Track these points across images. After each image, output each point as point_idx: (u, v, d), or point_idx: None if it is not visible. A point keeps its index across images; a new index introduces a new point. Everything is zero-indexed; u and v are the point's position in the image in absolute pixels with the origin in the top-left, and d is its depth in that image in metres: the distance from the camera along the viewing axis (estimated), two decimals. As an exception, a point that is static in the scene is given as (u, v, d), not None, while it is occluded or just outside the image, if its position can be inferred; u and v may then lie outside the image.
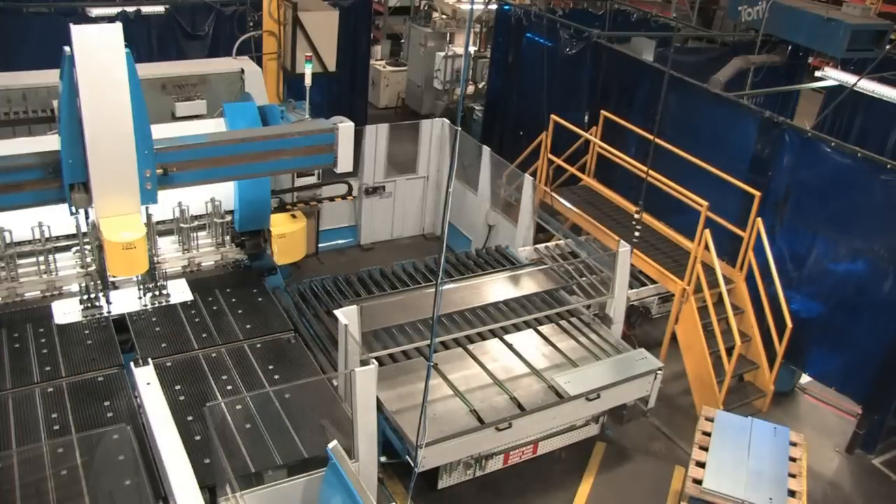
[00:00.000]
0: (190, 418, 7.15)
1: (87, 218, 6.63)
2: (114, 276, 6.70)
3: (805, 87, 14.23)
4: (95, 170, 6.08)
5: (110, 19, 11.74)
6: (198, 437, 6.94)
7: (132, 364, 6.91)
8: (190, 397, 7.42)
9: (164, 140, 6.61)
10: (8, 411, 6.99)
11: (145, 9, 12.10)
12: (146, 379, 6.69)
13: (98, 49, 5.78)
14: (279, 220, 8.59)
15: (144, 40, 12.20)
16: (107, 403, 7.21)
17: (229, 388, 7.63)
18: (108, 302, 7.24)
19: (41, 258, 6.40)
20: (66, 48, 5.99)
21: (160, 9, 12.23)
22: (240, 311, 8.61)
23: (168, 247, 7.05)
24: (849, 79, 11.74)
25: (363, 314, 7.80)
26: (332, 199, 11.28)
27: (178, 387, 7.52)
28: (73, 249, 6.70)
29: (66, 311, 7.27)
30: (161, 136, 6.58)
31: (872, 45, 11.92)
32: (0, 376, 7.36)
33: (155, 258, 6.89)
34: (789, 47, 13.08)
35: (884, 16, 14.42)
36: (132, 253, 6.20)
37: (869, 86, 11.51)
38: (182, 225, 6.95)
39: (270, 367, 7.99)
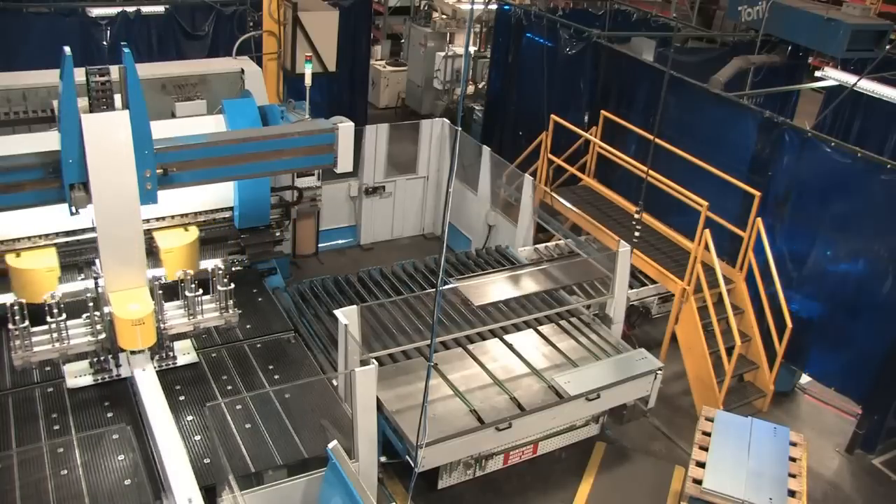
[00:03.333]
0: (190, 418, 7.17)
1: (96, 287, 6.83)
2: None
3: (805, 87, 14.24)
4: (105, 248, 6.55)
5: (111, 19, 11.76)
6: (198, 437, 6.95)
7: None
8: (190, 397, 7.43)
9: (164, 140, 6.63)
10: (8, 411, 7.00)
11: (145, 9, 12.10)
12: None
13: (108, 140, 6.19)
14: (169, 235, 8.48)
15: (144, 40, 12.21)
16: (107, 403, 7.22)
17: (229, 388, 7.64)
18: (118, 365, 7.45)
19: (53, 327, 6.65)
20: (67, 48, 6.02)
21: (160, 9, 12.23)
22: (240, 312, 8.61)
23: (173, 312, 7.24)
24: (849, 79, 11.74)
25: (363, 314, 7.82)
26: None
27: (178, 387, 7.53)
28: (84, 315, 6.89)
29: (78, 374, 7.46)
30: (160, 133, 6.61)
31: (872, 45, 11.91)
32: (0, 376, 7.39)
33: (162, 325, 7.08)
34: (789, 47, 13.07)
35: (884, 16, 14.43)
36: (141, 327, 6.59)
37: (869, 86, 11.52)
38: (188, 293, 7.14)
39: (270, 367, 8.00)
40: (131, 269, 6.68)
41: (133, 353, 6.90)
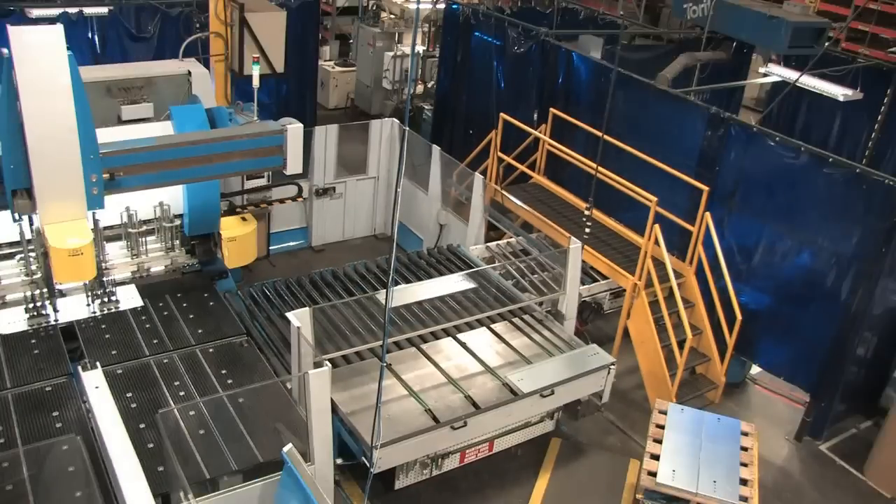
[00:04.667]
0: (142, 426, 7.06)
1: (31, 224, 6.48)
2: (60, 284, 6.55)
3: (749, 83, 14.49)
4: (39, 176, 5.97)
5: (51, 21, 11.52)
6: (151, 445, 6.85)
7: (80, 368, 6.80)
8: (142, 404, 7.33)
9: (111, 144, 6.51)
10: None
11: (88, 10, 11.85)
12: (94, 383, 6.59)
13: (38, 52, 5.67)
14: (229, 224, 8.52)
15: (87, 42, 11.98)
16: (55, 414, 7.08)
17: (182, 394, 7.54)
18: (55, 310, 7.07)
19: None
20: (4, 50, 5.87)
21: (103, 10, 11.99)
22: (191, 316, 8.51)
23: (116, 252, 6.89)
24: (791, 75, 11.97)
25: (315, 316, 7.78)
26: (282, 200, 11.22)
27: (129, 394, 7.41)
28: (18, 257, 6.52)
29: (11, 321, 7.09)
30: (107, 140, 6.49)
31: (813, 41, 12.16)
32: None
33: (103, 264, 6.74)
34: (734, 44, 13.29)
35: (822, 14, 14.76)
36: (79, 259, 6.10)
37: (811, 82, 11.76)
38: (130, 230, 6.81)
39: (223, 371, 7.91)
40: (69, 200, 6.20)
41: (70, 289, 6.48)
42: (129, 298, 7.60)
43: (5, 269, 6.44)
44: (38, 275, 6.50)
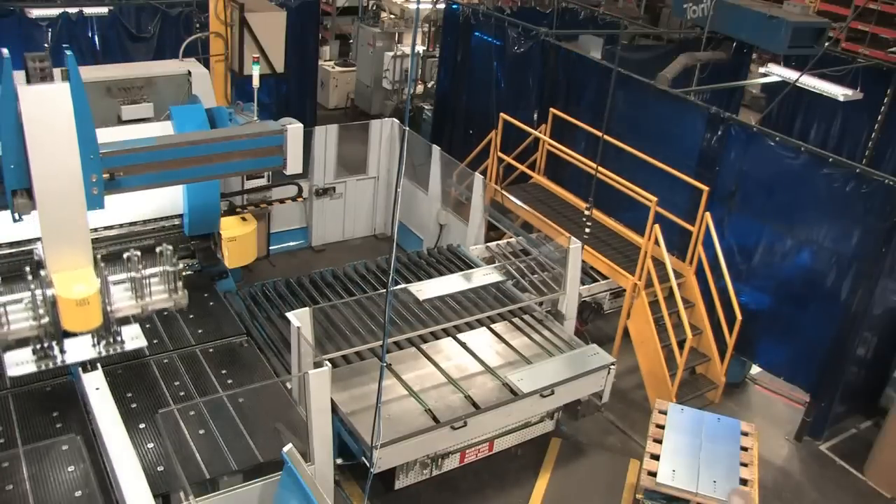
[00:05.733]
0: (142, 426, 7.07)
1: (38, 268, 6.63)
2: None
3: (750, 84, 14.48)
4: (46, 226, 6.17)
5: (51, 20, 11.51)
6: (151, 445, 6.85)
7: (80, 368, 6.79)
8: (142, 404, 7.33)
9: (110, 144, 6.51)
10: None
11: (88, 10, 11.84)
12: (95, 384, 6.58)
13: (46, 108, 5.88)
14: (229, 224, 8.52)
15: (87, 42, 11.97)
16: (55, 414, 7.08)
17: (182, 394, 7.55)
18: (62, 351, 7.22)
19: None
20: (4, 50, 5.87)
21: (103, 10, 11.98)
22: (191, 316, 8.52)
23: (120, 294, 7.06)
24: (791, 75, 11.97)
25: (315, 316, 7.78)
26: (282, 200, 11.21)
27: (129, 394, 7.42)
28: (25, 301, 6.66)
29: (19, 361, 7.22)
30: (107, 140, 6.48)
31: (813, 42, 12.17)
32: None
33: (108, 307, 6.89)
34: (734, 44, 13.29)
35: (822, 14, 14.76)
36: (86, 308, 6.27)
37: (810, 82, 11.76)
38: (134, 275, 6.98)
39: (223, 371, 7.92)
40: (75, 249, 6.32)
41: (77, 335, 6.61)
42: (133, 339, 7.74)
43: (14, 312, 6.59)
44: (46, 319, 6.65)
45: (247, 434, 7.05)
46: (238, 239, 8.25)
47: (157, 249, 7.07)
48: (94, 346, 6.93)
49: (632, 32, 15.04)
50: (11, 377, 7.02)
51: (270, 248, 12.03)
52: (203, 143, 6.96)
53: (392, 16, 18.38)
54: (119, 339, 7.48)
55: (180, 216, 8.58)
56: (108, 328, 7.06)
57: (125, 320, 7.26)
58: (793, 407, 10.30)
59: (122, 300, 7.01)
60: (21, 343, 6.84)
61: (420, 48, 18.17)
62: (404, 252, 10.75)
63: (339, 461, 7.50)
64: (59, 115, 5.93)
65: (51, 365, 7.08)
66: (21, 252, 7.81)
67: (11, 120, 5.94)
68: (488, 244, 10.90)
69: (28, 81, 5.96)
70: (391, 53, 17.45)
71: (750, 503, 7.55)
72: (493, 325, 9.10)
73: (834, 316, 9.19)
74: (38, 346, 7.06)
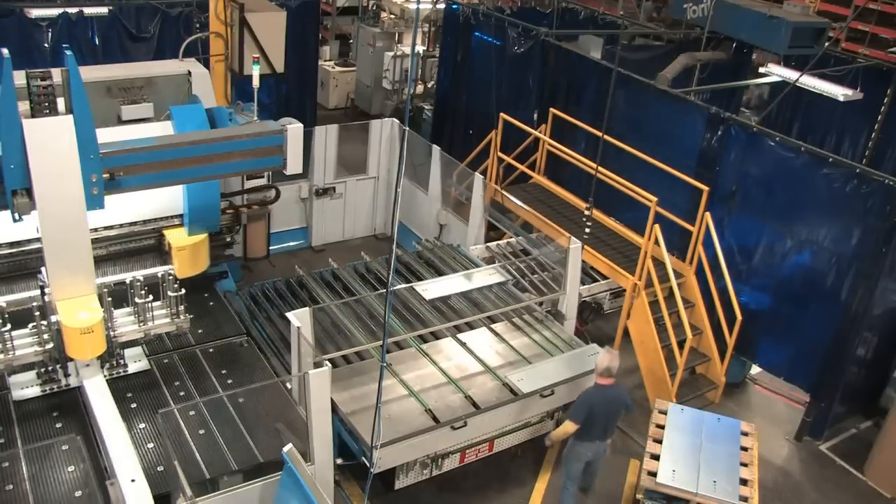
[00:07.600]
0: (143, 426, 7.07)
1: (43, 297, 6.77)
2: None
3: (750, 84, 14.47)
4: (51, 256, 6.39)
5: (51, 20, 11.52)
6: (151, 445, 6.85)
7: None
8: (142, 405, 7.33)
9: (111, 144, 6.52)
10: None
11: (88, 10, 11.85)
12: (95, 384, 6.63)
13: (51, 141, 6.06)
14: (179, 233, 8.46)
15: (87, 42, 11.97)
16: (55, 414, 7.08)
17: (182, 394, 7.55)
18: (66, 374, 7.31)
19: None
20: (4, 50, 5.89)
21: (103, 10, 11.99)
22: (191, 316, 8.51)
23: (123, 319, 7.13)
24: (791, 75, 11.96)
25: (315, 316, 7.78)
26: (250, 206, 11.00)
27: (129, 394, 7.41)
28: (30, 326, 6.74)
29: (24, 385, 7.30)
30: (107, 140, 6.50)
31: (813, 42, 12.17)
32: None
33: (111, 332, 6.96)
34: (734, 44, 13.29)
35: (822, 14, 14.75)
36: (90, 336, 6.44)
37: (810, 82, 11.75)
38: (137, 300, 7.04)
39: (223, 371, 7.93)
40: (79, 277, 6.53)
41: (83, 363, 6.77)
42: (135, 361, 7.84)
43: (18, 337, 6.67)
44: (51, 345, 6.73)
45: (247, 434, 7.05)
46: (188, 248, 8.21)
47: (160, 274, 7.15)
48: (98, 370, 7.04)
49: (632, 32, 15.03)
50: (16, 400, 7.12)
51: (270, 248, 12.01)
52: (203, 143, 6.98)
53: (392, 16, 18.39)
54: (122, 361, 7.66)
55: (180, 216, 8.60)
56: (111, 352, 7.17)
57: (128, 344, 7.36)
58: (793, 407, 10.30)
59: (125, 325, 7.12)
60: (26, 367, 6.97)
61: (420, 48, 18.18)
62: (404, 252, 10.73)
63: (339, 461, 7.50)
64: (63, 147, 6.11)
65: (55, 388, 7.22)
66: (21, 252, 7.83)
67: (11, 120, 5.96)
68: (488, 244, 10.90)
69: (32, 114, 6.04)
70: (391, 53, 17.45)
71: (615, 359, 7.60)
72: (493, 325, 9.10)
73: (834, 316, 9.18)
74: (43, 370, 7.21)
